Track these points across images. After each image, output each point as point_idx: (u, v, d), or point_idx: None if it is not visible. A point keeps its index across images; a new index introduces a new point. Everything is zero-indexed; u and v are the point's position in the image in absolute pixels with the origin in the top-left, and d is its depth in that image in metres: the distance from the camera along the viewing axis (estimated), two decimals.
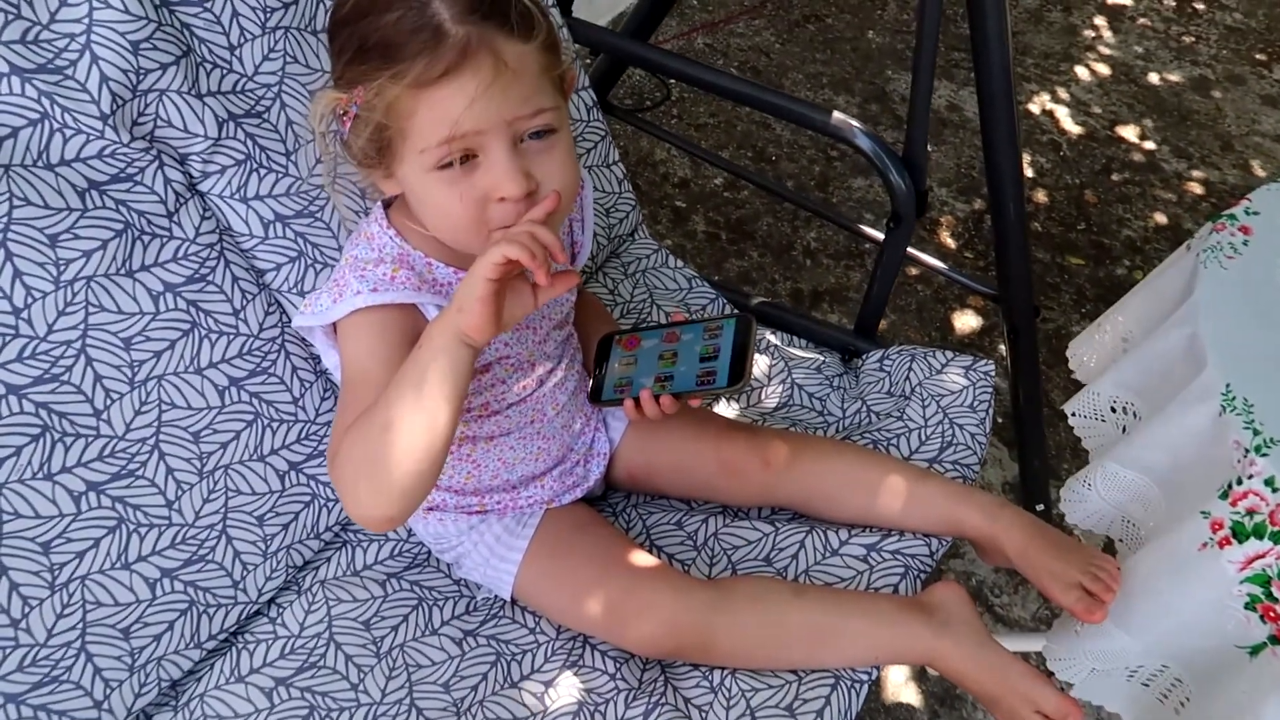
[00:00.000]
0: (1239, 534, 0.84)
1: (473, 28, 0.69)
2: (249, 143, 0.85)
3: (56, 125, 0.76)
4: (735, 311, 0.87)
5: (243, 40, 0.84)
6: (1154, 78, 2.38)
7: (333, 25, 0.76)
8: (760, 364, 1.10)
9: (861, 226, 1.39)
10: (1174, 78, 2.38)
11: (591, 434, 0.97)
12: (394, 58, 0.69)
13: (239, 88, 0.85)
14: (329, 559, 0.94)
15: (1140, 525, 1.00)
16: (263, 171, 0.86)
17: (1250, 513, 0.84)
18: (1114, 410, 1.05)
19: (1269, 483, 0.83)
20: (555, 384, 0.91)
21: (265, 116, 0.86)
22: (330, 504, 0.93)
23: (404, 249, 0.80)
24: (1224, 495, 0.85)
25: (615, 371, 0.87)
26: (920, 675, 1.38)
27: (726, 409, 1.07)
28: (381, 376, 0.74)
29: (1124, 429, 1.04)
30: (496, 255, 0.68)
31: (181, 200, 0.83)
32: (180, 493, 0.83)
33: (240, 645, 0.88)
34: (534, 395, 0.89)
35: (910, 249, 1.26)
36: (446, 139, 0.71)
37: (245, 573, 0.87)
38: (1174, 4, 2.58)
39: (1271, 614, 0.84)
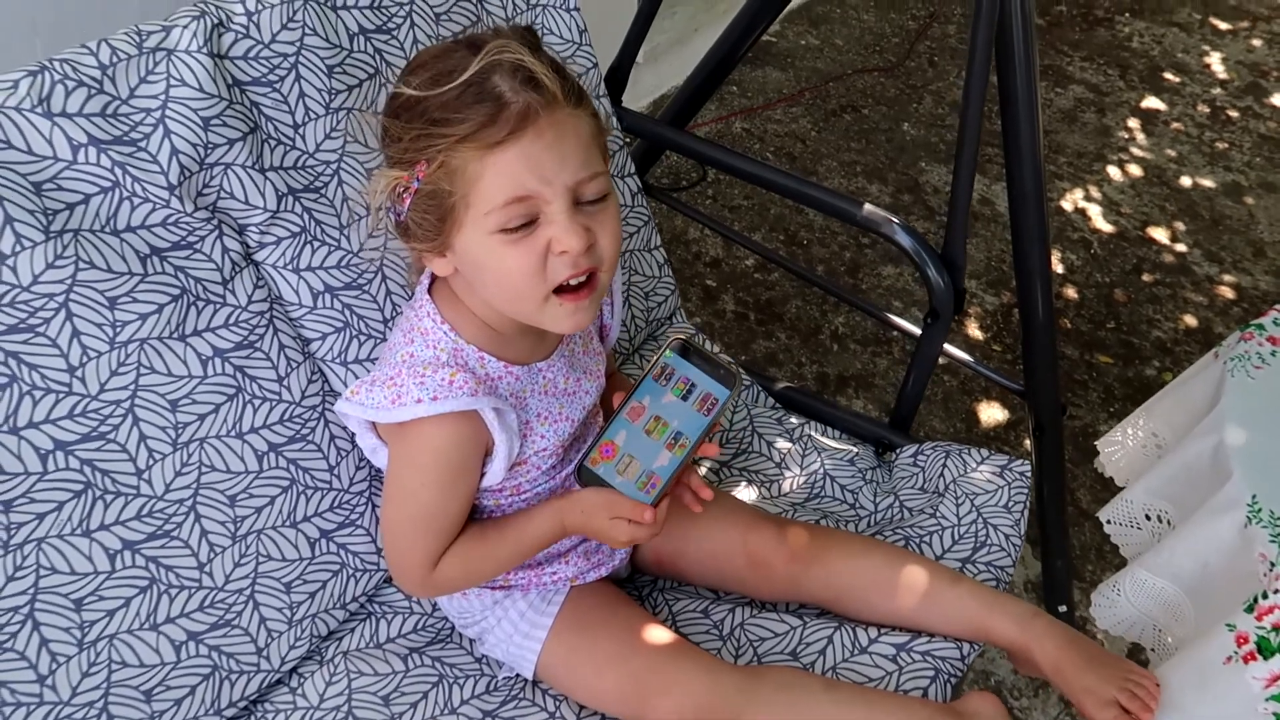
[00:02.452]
0: (1264, 650, 0.82)
1: (530, 95, 0.74)
2: (305, 216, 0.88)
3: (126, 194, 0.78)
4: (666, 344, 0.87)
5: (307, 119, 0.88)
6: (1186, 181, 2.40)
7: (395, 109, 0.79)
8: (792, 452, 1.10)
9: (890, 316, 1.40)
10: (1206, 182, 2.40)
11: None
12: (458, 125, 0.74)
13: (300, 164, 0.88)
14: (353, 630, 0.94)
15: (1170, 634, 0.99)
16: (316, 244, 0.89)
17: (1276, 629, 0.82)
18: (1149, 518, 1.04)
19: None
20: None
21: (323, 192, 0.89)
22: (359, 574, 0.93)
23: (458, 345, 0.82)
24: (1249, 609, 0.83)
25: (626, 482, 0.82)
26: None
27: (755, 496, 1.07)
28: (439, 487, 0.81)
29: (1159, 537, 1.04)
30: (626, 539, 0.82)
31: (237, 269, 0.85)
32: (212, 555, 0.84)
33: (259, 715, 0.87)
34: (558, 474, 0.90)
35: None
36: (512, 199, 0.75)
37: (270, 640, 0.87)
38: (1208, 110, 2.62)
39: None
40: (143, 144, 0.79)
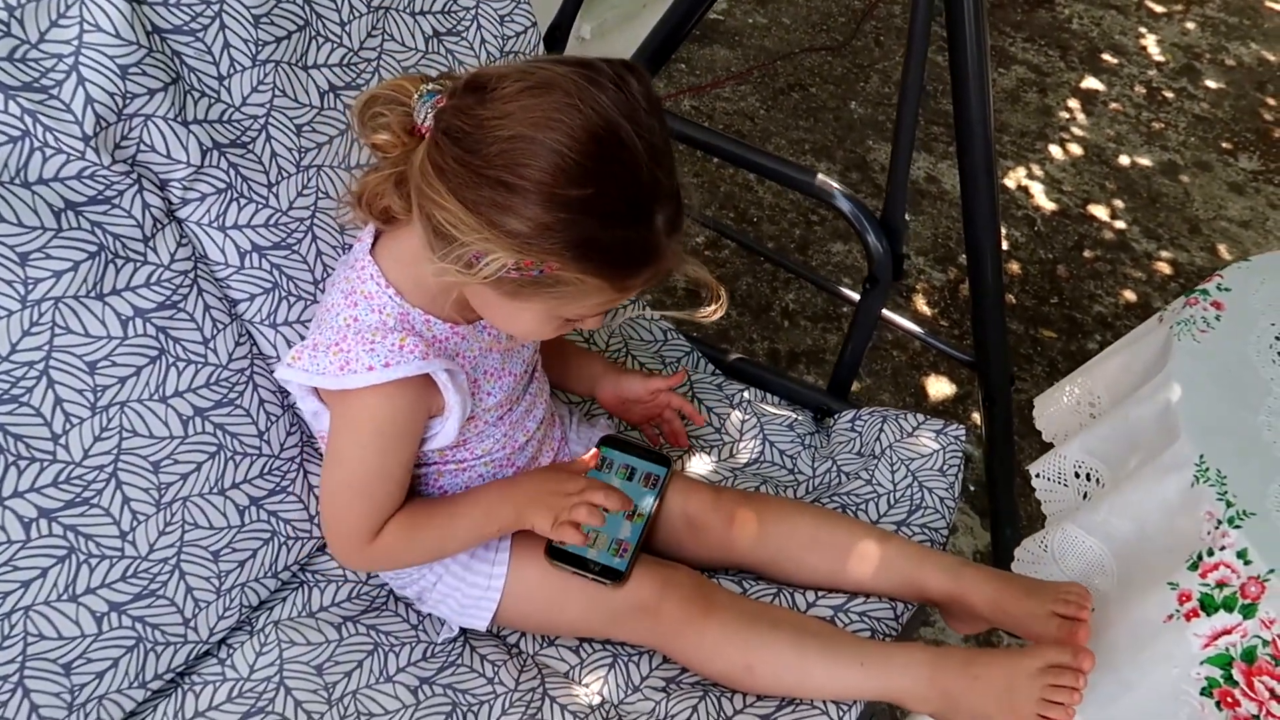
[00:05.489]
0: (1207, 606, 0.84)
1: (668, 240, 0.74)
2: (231, 172, 0.85)
3: (37, 144, 0.75)
4: (599, 441, 0.97)
5: (232, 71, 0.84)
6: (1125, 160, 2.44)
7: (557, 199, 0.69)
8: (733, 418, 1.10)
9: (842, 289, 1.41)
10: (1144, 161, 2.45)
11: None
12: (615, 264, 0.72)
13: (225, 117, 0.85)
14: (285, 599, 0.91)
15: (1092, 594, 0.99)
16: (243, 201, 0.86)
17: (1220, 585, 0.83)
18: (1077, 475, 1.05)
19: (1241, 555, 0.82)
20: (524, 410, 0.91)
21: (250, 147, 0.86)
22: (290, 542, 0.90)
23: (404, 309, 0.80)
24: (1193, 567, 0.85)
25: (600, 552, 0.87)
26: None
27: (696, 462, 1.06)
28: (379, 452, 0.80)
29: (1084, 495, 1.05)
30: (559, 533, 0.83)
31: (159, 225, 0.82)
32: (135, 524, 0.81)
33: (187, 687, 0.85)
34: (505, 421, 0.89)
35: (888, 313, 1.28)
36: (600, 312, 0.77)
37: (197, 610, 0.85)
38: (1145, 91, 2.67)
39: (1229, 699, 0.83)
40: (55, 91, 0.75)
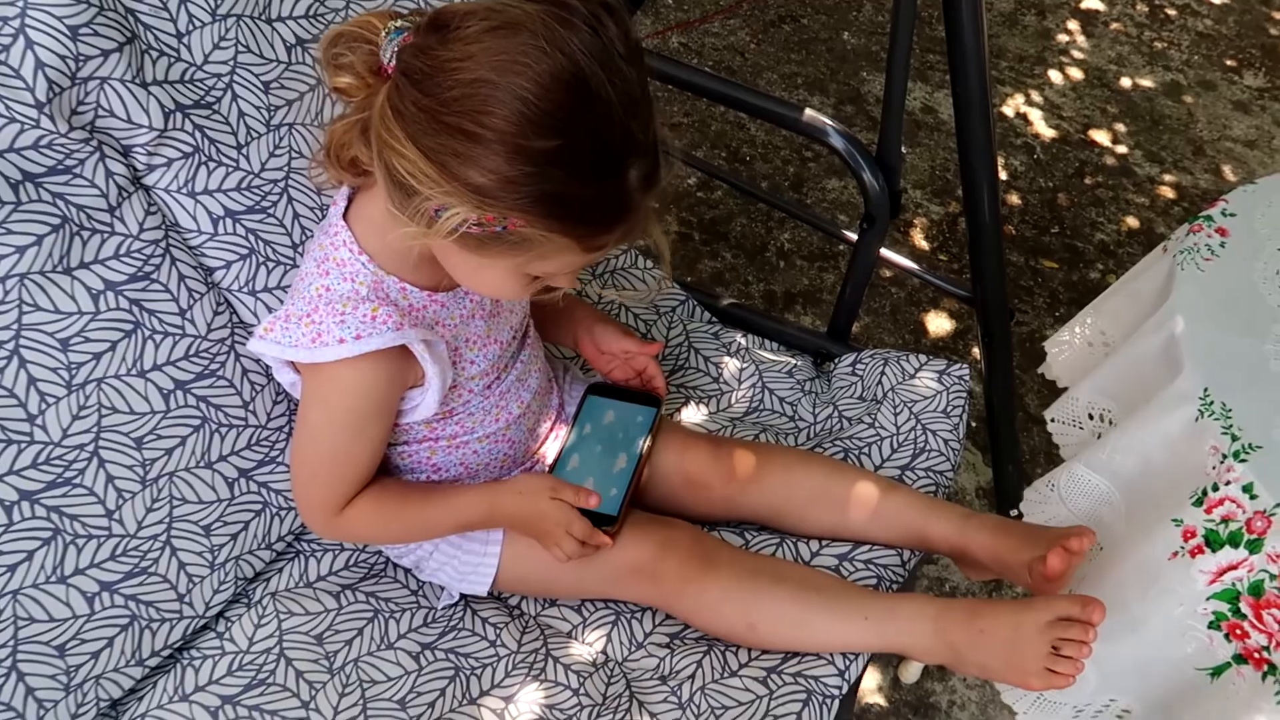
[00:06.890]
0: (1212, 542, 0.82)
1: (643, 197, 0.70)
2: (197, 135, 0.82)
3: None
4: (586, 390, 0.96)
5: (191, 27, 0.80)
6: (1126, 82, 2.38)
7: (521, 151, 0.65)
8: (730, 367, 1.08)
9: (838, 229, 1.37)
10: (1146, 83, 2.39)
11: (556, 433, 0.95)
12: (584, 222, 0.69)
13: (187, 77, 0.81)
14: (281, 570, 0.90)
15: (1099, 533, 0.98)
16: (212, 165, 0.82)
17: (1225, 520, 0.82)
18: (1091, 417, 1.04)
19: (1247, 489, 0.81)
20: (515, 379, 0.88)
21: (215, 108, 0.82)
22: (283, 513, 0.89)
23: (378, 276, 0.77)
24: (1198, 502, 0.83)
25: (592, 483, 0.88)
26: (894, 684, 1.37)
27: (694, 412, 1.04)
28: (349, 430, 0.78)
29: (1098, 435, 1.03)
30: (562, 529, 0.83)
31: (124, 194, 0.79)
32: (121, 502, 0.79)
33: (185, 662, 0.84)
34: (494, 390, 0.86)
35: (884, 250, 1.25)
36: (570, 272, 0.74)
37: (191, 585, 0.83)
38: (1146, 10, 2.59)
39: (1238, 631, 0.82)
40: (1, 57, 0.71)
